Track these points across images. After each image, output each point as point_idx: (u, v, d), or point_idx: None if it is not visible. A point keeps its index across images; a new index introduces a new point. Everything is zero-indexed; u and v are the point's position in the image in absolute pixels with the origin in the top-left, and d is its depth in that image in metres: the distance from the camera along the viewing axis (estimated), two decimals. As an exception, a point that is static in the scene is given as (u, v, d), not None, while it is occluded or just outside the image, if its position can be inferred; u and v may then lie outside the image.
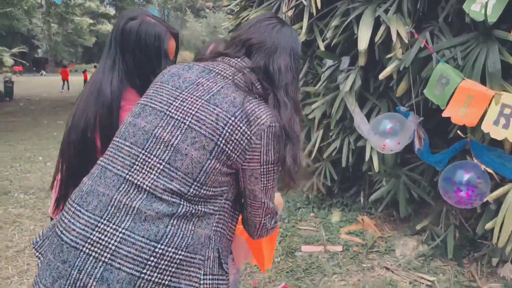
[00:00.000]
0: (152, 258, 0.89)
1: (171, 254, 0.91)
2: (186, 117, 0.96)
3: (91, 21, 25.10)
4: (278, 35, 1.11)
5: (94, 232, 0.91)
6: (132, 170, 0.95)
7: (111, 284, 0.87)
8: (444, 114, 2.18)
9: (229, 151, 0.95)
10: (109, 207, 0.92)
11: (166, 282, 0.90)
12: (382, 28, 2.49)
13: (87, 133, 1.22)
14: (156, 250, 0.90)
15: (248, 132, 0.96)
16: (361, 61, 2.68)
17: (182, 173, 0.94)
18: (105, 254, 0.89)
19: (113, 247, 0.89)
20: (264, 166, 1.00)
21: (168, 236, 0.91)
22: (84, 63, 48.42)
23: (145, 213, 0.92)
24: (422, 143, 2.46)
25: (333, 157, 3.38)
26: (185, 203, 0.94)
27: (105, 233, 0.90)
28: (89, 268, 0.89)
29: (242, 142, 0.96)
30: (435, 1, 2.43)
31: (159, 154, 0.95)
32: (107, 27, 44.74)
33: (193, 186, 0.94)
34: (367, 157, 2.85)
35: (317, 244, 3.11)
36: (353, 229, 3.28)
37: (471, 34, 2.15)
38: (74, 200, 0.97)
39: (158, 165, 0.94)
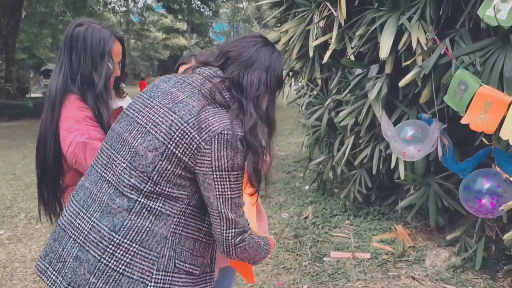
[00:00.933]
0: (110, 246, 1.07)
1: (126, 245, 1.07)
2: (148, 123, 1.11)
3: (163, 36, 26.77)
4: (257, 52, 1.21)
5: (76, 219, 1.13)
6: (106, 168, 1.14)
7: (82, 262, 1.08)
8: (463, 121, 2.14)
9: (179, 154, 1.07)
10: (88, 199, 1.13)
11: (121, 270, 1.07)
12: (405, 36, 2.50)
13: (45, 133, 1.44)
14: (114, 239, 1.07)
15: (198, 138, 1.06)
16: (387, 69, 2.70)
17: (139, 172, 1.09)
18: (80, 237, 1.10)
19: (86, 232, 1.10)
20: (217, 172, 1.07)
21: (125, 229, 1.07)
22: (160, 75, 51.74)
23: (110, 206, 1.10)
24: (447, 150, 2.42)
25: (368, 165, 3.39)
26: (142, 199, 1.08)
27: (83, 220, 1.11)
28: (69, 247, 1.11)
29: (191, 146, 1.06)
30: (458, 7, 2.39)
31: (124, 155, 1.11)
32: (179, 41, 47.42)
33: (148, 183, 1.08)
34: (393, 164, 2.84)
35: (347, 251, 3.13)
36: (385, 238, 3.24)
37: (490, 39, 2.10)
38: (72, 192, 1.20)
39: (122, 163, 1.11)
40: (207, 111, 1.09)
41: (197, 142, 1.06)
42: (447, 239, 2.79)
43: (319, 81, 3.48)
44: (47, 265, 1.14)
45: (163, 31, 29.35)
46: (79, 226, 1.11)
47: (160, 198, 1.09)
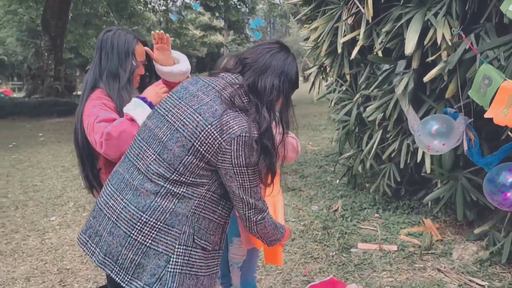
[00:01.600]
0: (138, 223, 1.25)
1: (152, 223, 1.25)
2: (176, 121, 1.27)
3: (200, 33, 27.29)
4: (271, 58, 1.32)
5: (111, 200, 1.32)
6: (138, 157, 1.32)
7: (114, 237, 1.28)
8: (486, 115, 2.16)
9: (203, 151, 1.23)
10: (121, 184, 1.32)
11: (148, 244, 1.25)
12: (431, 31, 2.54)
13: (77, 122, 1.69)
14: (142, 218, 1.25)
15: (220, 139, 1.21)
16: (414, 64, 2.74)
17: (167, 163, 1.26)
18: (114, 216, 1.29)
19: (118, 212, 1.29)
20: (237, 168, 1.23)
21: (151, 209, 1.25)
22: (198, 72, 52.72)
23: (139, 190, 1.28)
24: (473, 144, 2.44)
25: (396, 159, 3.43)
26: (167, 185, 1.25)
27: (116, 201, 1.30)
28: (104, 224, 1.31)
29: (214, 145, 1.22)
30: (484, 2, 2.40)
31: (154, 147, 1.29)
32: (217, 38, 48.02)
33: (174, 173, 1.25)
34: (419, 158, 2.87)
35: (374, 243, 3.20)
36: (413, 231, 3.28)
37: (514, 34, 2.11)
38: (109, 177, 1.39)
39: (152, 155, 1.28)
40: (228, 114, 1.23)
41: (219, 142, 1.22)
42: (475, 233, 2.80)
43: (348, 77, 3.55)
44: (87, 238, 1.35)
45: (201, 29, 29.86)
46: (113, 206, 1.30)
47: (184, 185, 1.26)
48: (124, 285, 1.27)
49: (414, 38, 2.56)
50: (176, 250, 1.26)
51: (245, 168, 1.25)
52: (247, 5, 23.12)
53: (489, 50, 2.19)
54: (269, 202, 1.78)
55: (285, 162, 1.92)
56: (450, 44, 2.36)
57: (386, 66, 3.03)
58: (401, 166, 3.15)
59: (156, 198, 1.26)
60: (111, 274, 1.28)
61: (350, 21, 3.25)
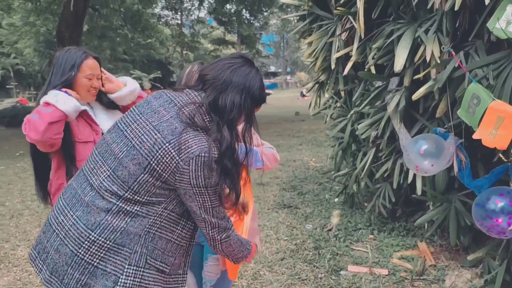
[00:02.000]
0: (86, 242, 1.19)
1: (100, 242, 1.18)
2: (134, 138, 1.21)
3: (212, 47, 27.59)
4: (231, 74, 1.24)
5: (60, 215, 1.26)
6: (92, 172, 1.25)
7: (61, 255, 1.21)
8: (475, 136, 2.07)
9: (159, 170, 1.17)
10: (73, 199, 1.26)
11: (95, 264, 1.18)
12: (421, 48, 2.46)
13: None
14: (90, 236, 1.19)
15: (177, 158, 1.15)
16: (406, 81, 2.66)
17: (120, 181, 1.19)
18: (62, 232, 1.23)
19: (67, 228, 1.22)
20: (196, 188, 1.18)
21: (101, 227, 1.19)
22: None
23: (90, 206, 1.21)
24: (464, 166, 2.33)
25: (392, 179, 3.31)
26: (119, 203, 1.19)
27: (66, 217, 1.24)
28: (52, 240, 1.24)
29: (171, 165, 1.16)
30: (474, 20, 2.32)
31: (109, 163, 1.22)
32: (229, 51, 48.57)
33: (128, 192, 1.19)
34: (410, 179, 2.77)
35: (365, 265, 3.07)
36: (406, 255, 3.15)
37: (504, 53, 2.02)
38: (62, 190, 1.33)
39: (106, 171, 1.22)
40: (188, 133, 1.17)
41: (176, 162, 1.16)
42: (469, 260, 2.67)
43: (343, 93, 3.47)
44: (36, 254, 1.29)
45: (214, 43, 30.24)
46: (62, 222, 1.24)
47: (138, 203, 1.20)
48: None
49: (404, 54, 2.49)
50: (125, 270, 1.20)
51: (204, 189, 1.19)
52: (259, 20, 23.30)
53: (478, 69, 2.10)
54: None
55: (265, 170, 1.89)
56: (439, 61, 2.28)
57: (379, 83, 2.95)
58: (394, 186, 3.04)
59: (107, 216, 1.19)
60: None
61: (343, 36, 3.20)
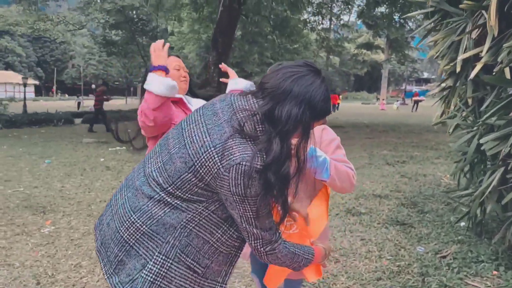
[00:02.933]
0: (127, 222, 1.26)
1: (138, 225, 1.24)
2: (188, 137, 1.22)
3: (356, 51, 26.81)
4: (292, 84, 1.17)
5: (118, 193, 1.37)
6: (149, 160, 1.33)
7: (110, 229, 1.32)
8: None
9: (202, 173, 1.17)
10: (130, 181, 1.36)
11: (131, 243, 1.25)
12: None
13: None
14: (131, 218, 1.26)
15: (219, 164, 1.13)
16: (547, 88, 2.15)
17: (167, 174, 1.23)
18: (114, 209, 1.34)
19: (118, 206, 1.33)
20: (236, 197, 1.15)
21: (141, 211, 1.25)
22: (355, 91, 51.99)
23: (138, 190, 1.29)
24: None
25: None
26: (162, 194, 1.23)
27: (121, 195, 1.35)
28: (107, 214, 1.37)
29: (213, 169, 1.15)
30: None
31: (163, 156, 1.27)
32: (379, 56, 46.52)
33: (171, 186, 1.22)
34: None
35: (477, 305, 2.59)
36: (536, 303, 2.53)
37: None
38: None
39: (159, 162, 1.28)
40: (234, 139, 1.15)
41: (218, 167, 1.14)
42: None
43: (470, 101, 2.98)
44: (98, 224, 1.43)
45: (359, 47, 29.42)
46: (117, 200, 1.36)
47: (179, 198, 1.22)
48: (106, 277, 1.31)
49: (542, 54, 2.00)
50: (154, 257, 1.23)
51: (244, 198, 1.15)
52: (411, 23, 21.75)
53: None
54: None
55: (340, 192, 1.73)
56: None
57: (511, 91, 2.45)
58: (525, 216, 2.48)
59: (148, 202, 1.25)
60: (101, 264, 1.34)
61: (474, 35, 2.74)
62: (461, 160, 3.37)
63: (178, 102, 2.00)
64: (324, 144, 1.70)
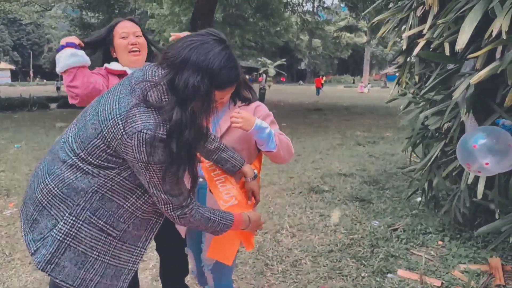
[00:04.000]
0: (42, 184, 1.32)
1: (50, 187, 1.29)
2: (102, 105, 1.26)
3: (335, 34, 26.75)
4: (190, 52, 1.17)
5: (44, 157, 1.42)
6: (69, 128, 1.38)
7: (29, 190, 1.39)
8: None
9: (109, 139, 1.21)
10: (53, 145, 1.41)
11: (43, 204, 1.31)
12: (494, 24, 2.03)
13: None
14: (46, 180, 1.31)
15: (123, 130, 1.18)
16: (478, 64, 2.24)
17: (80, 140, 1.28)
18: (37, 171, 1.40)
19: (39, 169, 1.39)
20: (140, 163, 1.19)
21: (54, 175, 1.30)
22: (338, 75, 52.05)
23: (55, 154, 1.34)
24: (532, 169, 1.87)
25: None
26: (74, 159, 1.28)
27: (44, 159, 1.41)
28: (32, 176, 1.42)
29: (117, 135, 1.19)
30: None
31: (79, 123, 1.32)
32: (362, 39, 46.51)
33: (83, 151, 1.26)
34: (469, 180, 2.32)
35: (417, 272, 2.72)
36: (472, 269, 2.68)
37: None
38: None
39: (75, 129, 1.32)
40: (139, 108, 1.18)
41: (122, 134, 1.18)
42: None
43: (417, 78, 3.07)
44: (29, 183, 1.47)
45: (342, 30, 29.37)
46: (40, 163, 1.42)
47: (90, 164, 1.27)
48: (23, 234, 1.37)
49: (469, 30, 2.08)
50: (65, 218, 1.28)
51: (148, 164, 1.19)
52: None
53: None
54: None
55: (277, 162, 1.79)
56: (504, 37, 1.85)
57: (451, 66, 2.53)
58: (461, 188, 2.60)
59: (62, 167, 1.30)
60: (21, 222, 1.40)
61: (419, 12, 2.81)
62: (411, 136, 3.47)
63: (123, 75, 1.89)
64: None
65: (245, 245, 1.69)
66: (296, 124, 10.70)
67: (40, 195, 1.31)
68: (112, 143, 1.21)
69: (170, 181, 1.24)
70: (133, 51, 1.91)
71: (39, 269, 1.29)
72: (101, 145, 1.23)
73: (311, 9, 24.10)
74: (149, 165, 1.19)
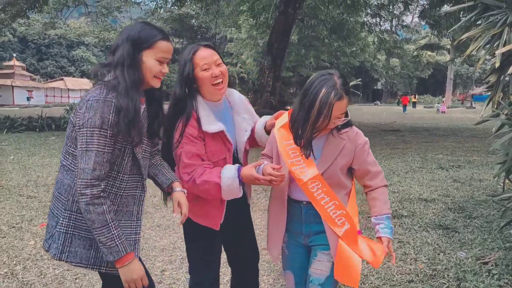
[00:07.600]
0: (53, 192, 1.57)
1: (53, 191, 1.57)
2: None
3: (415, 53, 25.54)
4: (123, 31, 1.53)
5: None
6: None
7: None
8: None
9: (73, 120, 1.46)
10: None
11: (51, 208, 1.56)
12: None
13: None
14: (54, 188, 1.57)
15: (79, 105, 1.44)
16: None
17: (65, 138, 1.52)
18: None
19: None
20: (80, 130, 1.40)
21: (56, 180, 1.55)
22: (418, 94, 49.54)
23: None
24: None
25: None
26: (62, 159, 1.54)
27: None
28: None
29: (76, 112, 1.44)
30: None
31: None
32: (444, 58, 43.98)
33: (65, 146, 1.52)
34: None
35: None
36: None
37: None
38: None
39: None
40: (95, 86, 1.48)
41: (79, 108, 1.44)
42: None
43: (511, 98, 2.82)
44: None
45: (422, 49, 28.09)
46: None
47: (68, 156, 1.51)
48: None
49: None
50: (62, 214, 1.51)
51: (85, 129, 1.39)
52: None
53: None
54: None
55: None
56: None
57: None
58: None
59: (59, 172, 1.56)
60: None
61: (514, 28, 2.61)
62: (505, 161, 3.17)
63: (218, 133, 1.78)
64: (359, 147, 1.81)
65: (372, 262, 1.67)
66: (372, 145, 10.32)
67: (50, 203, 1.56)
68: (73, 120, 1.45)
69: (96, 149, 1.38)
70: (216, 84, 1.77)
71: (56, 259, 1.51)
72: (72, 133, 1.46)
73: (389, 28, 23.45)
74: (86, 129, 1.38)
